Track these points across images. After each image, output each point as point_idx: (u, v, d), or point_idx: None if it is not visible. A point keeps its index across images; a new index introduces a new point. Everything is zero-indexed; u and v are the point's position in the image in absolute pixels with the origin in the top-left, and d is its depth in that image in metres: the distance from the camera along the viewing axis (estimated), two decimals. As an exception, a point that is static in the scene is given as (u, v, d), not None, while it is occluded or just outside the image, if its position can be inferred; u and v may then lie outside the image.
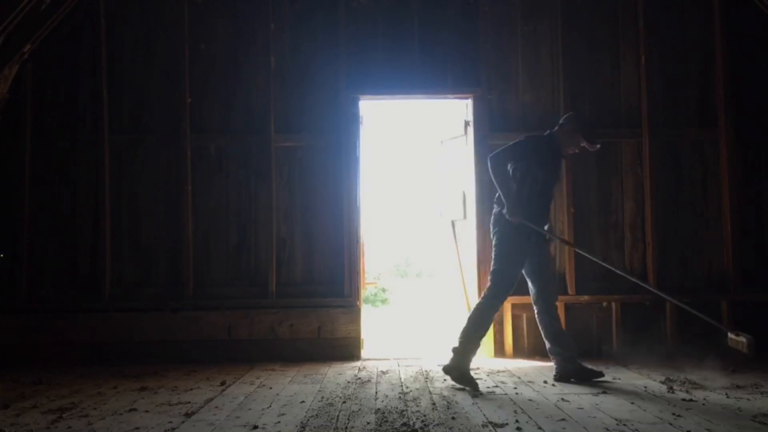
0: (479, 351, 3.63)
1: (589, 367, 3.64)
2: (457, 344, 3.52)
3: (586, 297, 4.46)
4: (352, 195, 4.64)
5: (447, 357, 3.55)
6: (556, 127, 3.70)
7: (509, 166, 3.59)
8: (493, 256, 3.66)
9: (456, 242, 5.11)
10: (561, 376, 3.60)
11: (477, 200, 4.62)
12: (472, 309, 3.63)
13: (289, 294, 4.56)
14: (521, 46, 4.70)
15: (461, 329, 3.57)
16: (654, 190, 4.58)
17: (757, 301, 4.47)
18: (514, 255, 3.58)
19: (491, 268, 3.64)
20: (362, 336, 4.58)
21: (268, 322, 4.47)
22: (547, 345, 3.68)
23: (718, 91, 4.63)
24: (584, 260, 4.55)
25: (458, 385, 3.45)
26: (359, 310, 4.55)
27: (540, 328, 3.71)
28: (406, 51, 4.69)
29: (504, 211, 3.55)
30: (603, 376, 3.59)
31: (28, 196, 4.55)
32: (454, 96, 4.79)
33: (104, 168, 4.58)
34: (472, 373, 3.52)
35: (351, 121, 4.67)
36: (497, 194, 3.66)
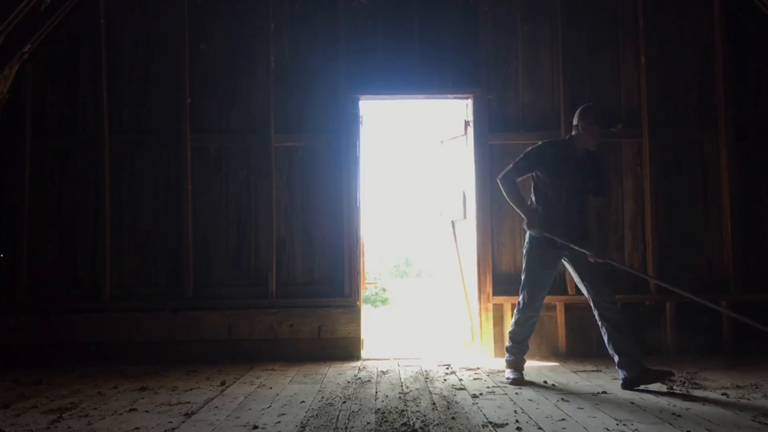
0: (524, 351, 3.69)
1: (655, 368, 3.34)
2: (506, 353, 3.66)
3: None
4: (352, 195, 4.64)
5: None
6: (573, 131, 3.58)
7: (531, 178, 3.60)
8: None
9: (456, 242, 5.11)
10: (625, 384, 3.32)
11: (477, 200, 4.61)
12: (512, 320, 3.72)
13: (289, 294, 4.56)
14: (521, 46, 4.70)
15: (507, 336, 3.75)
16: (654, 190, 4.58)
17: (757, 301, 4.47)
18: (538, 267, 3.55)
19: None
20: (362, 336, 4.58)
21: (268, 322, 4.47)
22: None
23: (718, 91, 4.63)
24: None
25: (458, 385, 3.48)
26: (359, 310, 4.55)
27: None
28: (406, 51, 4.68)
29: (524, 225, 3.58)
30: (673, 375, 3.35)
31: (28, 196, 4.55)
32: (454, 96, 4.79)
33: (104, 168, 4.57)
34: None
35: (351, 121, 4.67)
36: (529, 202, 3.65)
